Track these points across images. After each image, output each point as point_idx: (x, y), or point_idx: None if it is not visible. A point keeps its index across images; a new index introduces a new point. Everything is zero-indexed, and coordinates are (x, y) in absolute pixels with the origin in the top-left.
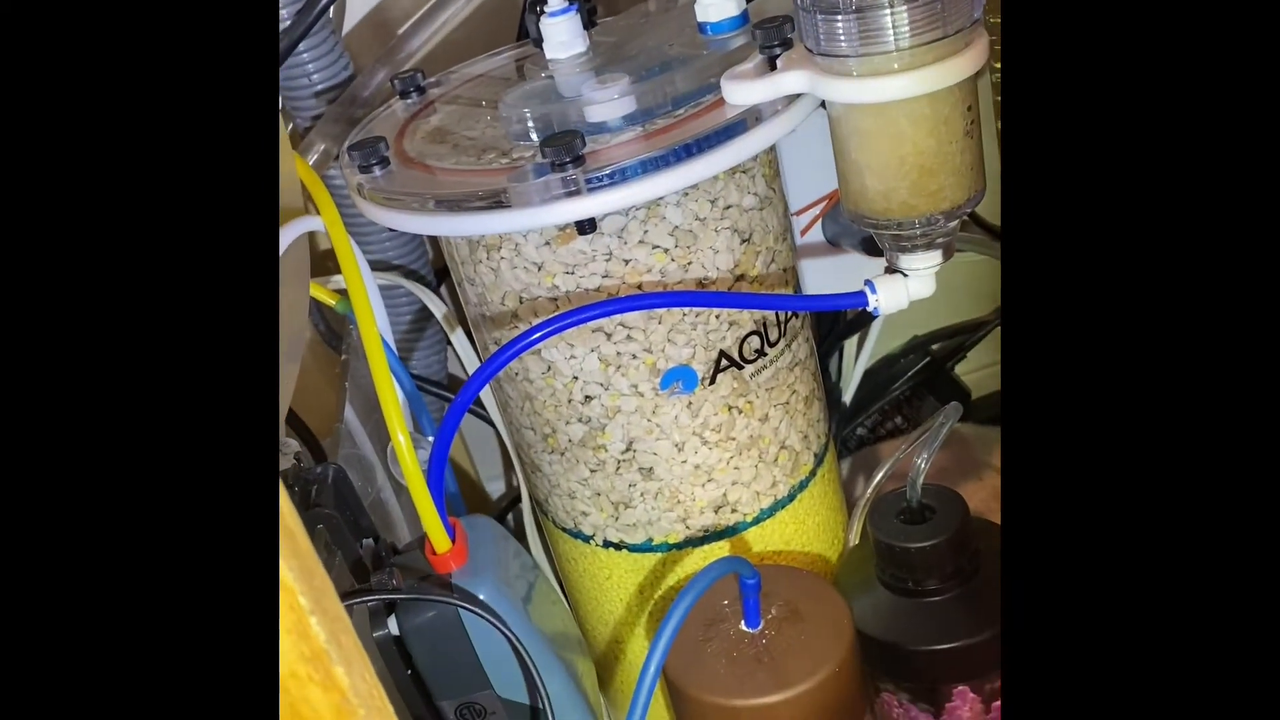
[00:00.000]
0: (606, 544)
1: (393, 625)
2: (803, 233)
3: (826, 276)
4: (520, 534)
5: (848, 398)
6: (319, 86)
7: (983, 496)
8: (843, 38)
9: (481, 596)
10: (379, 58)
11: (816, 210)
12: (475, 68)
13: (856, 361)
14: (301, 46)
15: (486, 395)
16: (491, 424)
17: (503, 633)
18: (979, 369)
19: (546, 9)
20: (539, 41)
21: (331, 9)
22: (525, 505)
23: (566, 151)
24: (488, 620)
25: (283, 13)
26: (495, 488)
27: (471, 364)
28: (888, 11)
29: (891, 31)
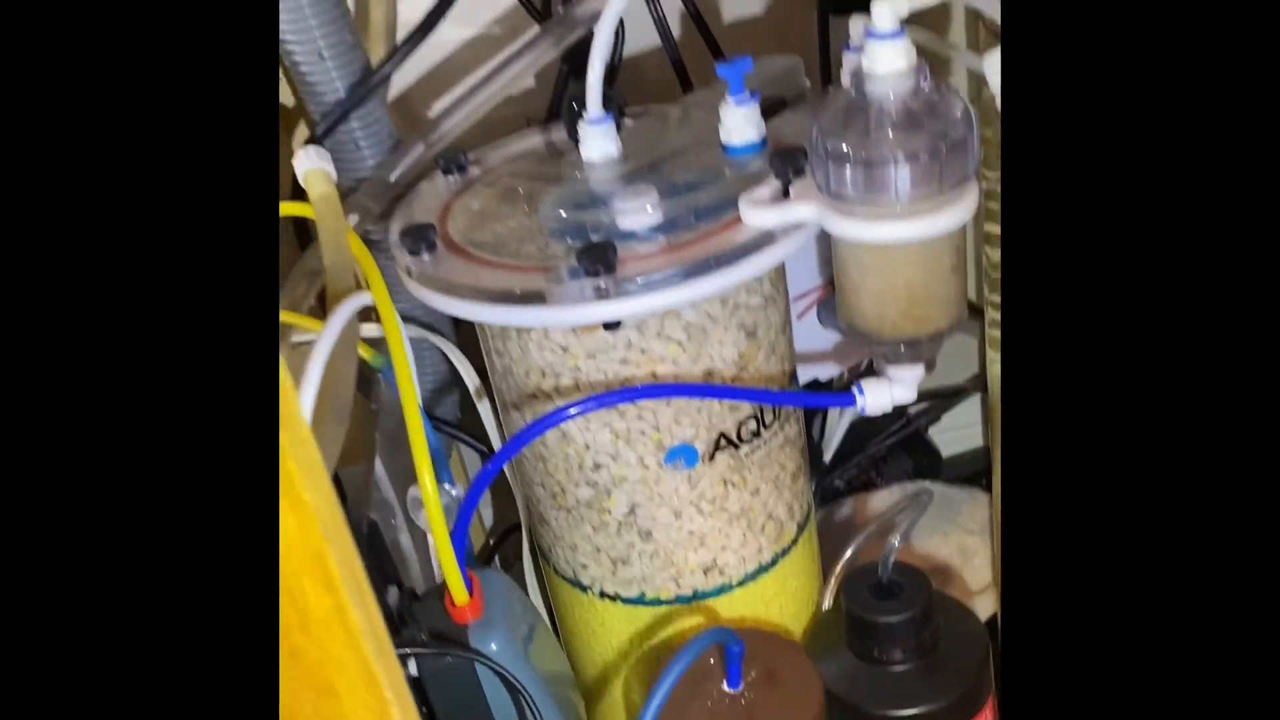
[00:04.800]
0: (603, 595)
1: (412, 667)
2: (799, 317)
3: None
4: (510, 565)
5: (829, 456)
6: (365, 154)
7: (946, 552)
8: (850, 185)
9: (493, 647)
10: (420, 132)
11: (812, 298)
12: (511, 148)
13: (840, 421)
14: (351, 117)
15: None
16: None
17: (512, 685)
18: (950, 430)
19: (586, 117)
20: (574, 138)
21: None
22: (525, 550)
23: (601, 262)
24: (501, 674)
25: (338, 85)
26: (485, 514)
27: (496, 426)
28: (890, 168)
29: (894, 186)
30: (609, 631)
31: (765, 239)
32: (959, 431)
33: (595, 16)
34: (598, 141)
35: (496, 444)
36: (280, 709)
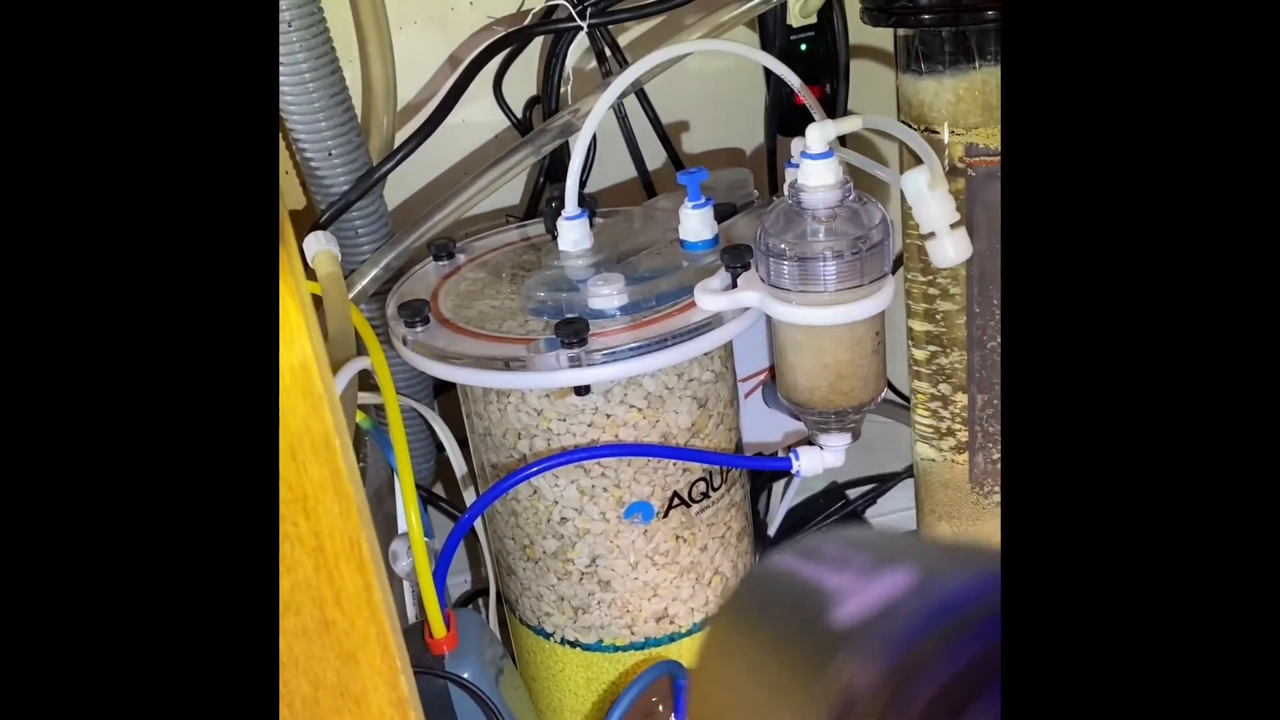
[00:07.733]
0: (564, 641)
1: None
2: (746, 396)
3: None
4: None
5: (772, 531)
6: (364, 241)
7: None
8: (786, 277)
9: (466, 675)
10: (412, 223)
11: (757, 380)
12: (493, 239)
13: (783, 500)
14: (353, 208)
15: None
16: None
17: (483, 703)
18: (887, 514)
19: (564, 213)
20: (553, 233)
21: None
22: (492, 601)
23: (575, 335)
24: (473, 691)
25: (340, 179)
26: (458, 581)
27: (474, 486)
28: (820, 263)
29: (822, 278)
30: (568, 676)
31: (715, 320)
32: (894, 515)
33: (569, 129)
34: (572, 234)
35: (469, 502)
36: (307, 674)
